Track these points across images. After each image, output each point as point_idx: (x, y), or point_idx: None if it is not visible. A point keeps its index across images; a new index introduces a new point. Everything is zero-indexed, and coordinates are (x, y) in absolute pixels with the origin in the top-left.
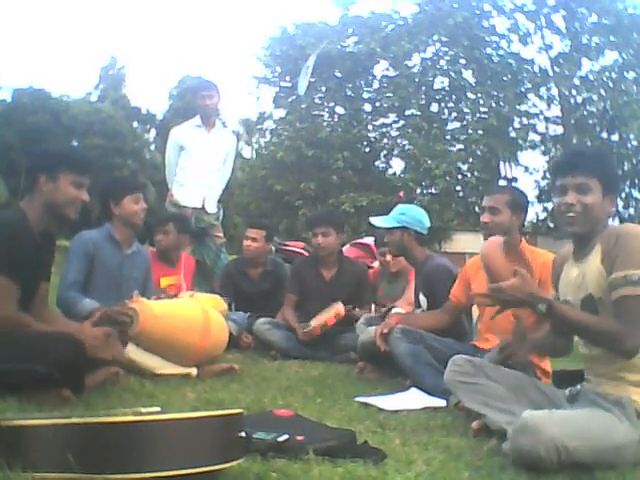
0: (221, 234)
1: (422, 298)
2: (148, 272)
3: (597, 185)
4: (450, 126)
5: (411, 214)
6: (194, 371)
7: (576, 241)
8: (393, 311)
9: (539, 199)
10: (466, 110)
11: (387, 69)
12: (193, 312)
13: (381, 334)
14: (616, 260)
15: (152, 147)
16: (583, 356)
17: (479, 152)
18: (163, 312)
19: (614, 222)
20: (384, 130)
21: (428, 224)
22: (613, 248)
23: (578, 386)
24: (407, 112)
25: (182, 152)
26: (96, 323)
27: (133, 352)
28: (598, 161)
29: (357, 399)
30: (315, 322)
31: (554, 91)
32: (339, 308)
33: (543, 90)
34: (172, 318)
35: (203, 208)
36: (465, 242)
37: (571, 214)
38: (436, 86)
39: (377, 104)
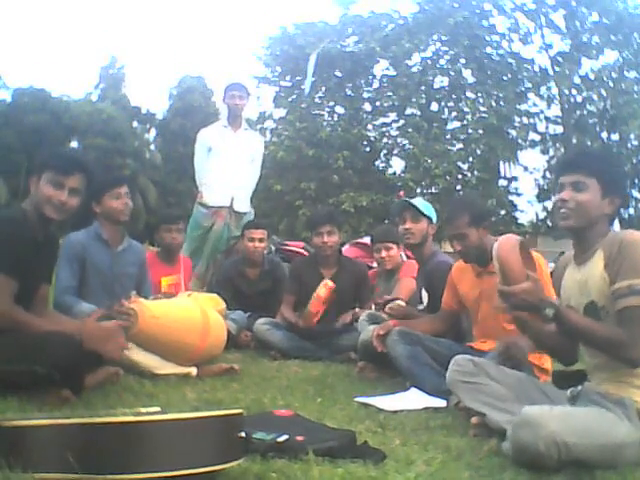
0: None
1: (424, 294)
2: (143, 267)
3: (595, 185)
4: (450, 125)
5: (431, 209)
6: (194, 371)
7: (575, 242)
8: (394, 303)
9: (539, 198)
10: (466, 109)
11: (387, 68)
12: (192, 313)
13: (378, 335)
14: (620, 268)
15: (152, 147)
16: (586, 364)
17: (479, 151)
18: (161, 312)
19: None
20: (384, 129)
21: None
22: (617, 255)
23: (579, 387)
24: (407, 111)
25: (210, 153)
26: (97, 317)
27: (133, 352)
28: (599, 162)
29: (357, 399)
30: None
31: (554, 90)
32: (327, 281)
33: (543, 89)
34: (171, 319)
35: (232, 207)
36: None
37: (563, 210)
38: (436, 85)
39: (377, 103)
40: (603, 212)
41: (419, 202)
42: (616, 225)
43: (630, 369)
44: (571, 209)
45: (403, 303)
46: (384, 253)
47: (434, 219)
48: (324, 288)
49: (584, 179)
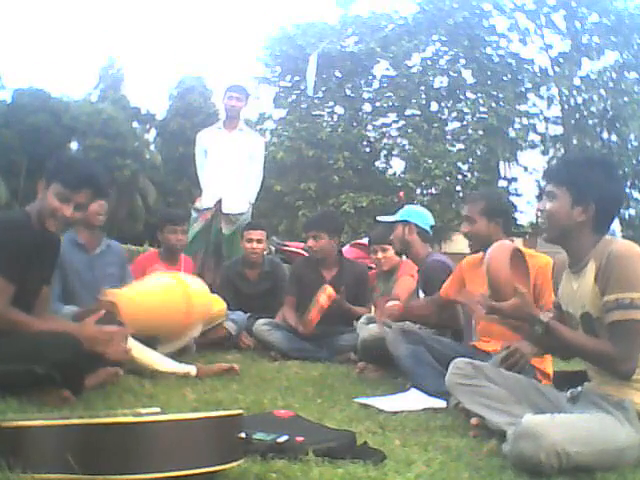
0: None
1: (422, 295)
2: (124, 266)
3: (565, 194)
4: (450, 126)
5: (413, 210)
6: (193, 370)
7: (566, 252)
8: (389, 303)
9: (539, 199)
10: (466, 110)
11: (387, 69)
12: (171, 288)
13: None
14: (608, 281)
15: (152, 147)
16: (587, 366)
17: (479, 152)
18: (140, 297)
19: (615, 224)
20: (384, 130)
21: (431, 222)
22: (605, 268)
23: (579, 388)
24: (407, 112)
25: (206, 155)
26: (96, 319)
27: (132, 348)
28: (569, 170)
29: (357, 400)
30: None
31: (554, 91)
32: (327, 288)
33: (543, 90)
34: (149, 296)
35: (220, 208)
36: (465, 242)
37: (540, 220)
38: (436, 86)
39: (377, 104)
40: (575, 221)
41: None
42: (616, 225)
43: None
44: (543, 219)
45: (399, 302)
46: (380, 254)
47: (414, 219)
48: (325, 295)
49: (554, 188)
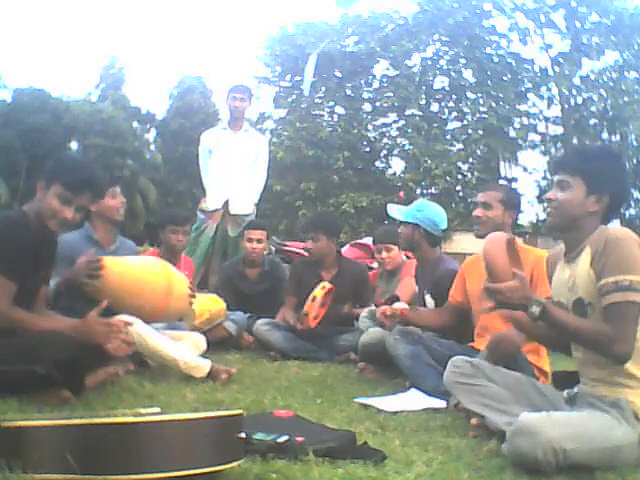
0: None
1: (428, 299)
2: None
3: (579, 183)
4: (450, 126)
5: (427, 213)
6: (206, 366)
7: (565, 241)
8: (396, 305)
9: (539, 199)
10: (466, 110)
11: (387, 69)
12: (154, 266)
13: (384, 314)
14: (605, 265)
15: (152, 147)
16: (576, 360)
17: (479, 152)
18: (123, 268)
19: (615, 223)
20: (384, 130)
21: (443, 226)
22: (602, 252)
23: (575, 389)
24: (407, 112)
25: (210, 156)
26: (99, 311)
27: (143, 335)
28: (585, 160)
29: (357, 400)
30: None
31: (554, 91)
32: (324, 283)
33: (543, 90)
34: (134, 274)
35: (227, 209)
36: (465, 242)
37: (549, 209)
38: (436, 86)
39: (377, 104)
40: (587, 210)
41: (400, 209)
42: (617, 225)
43: (619, 367)
44: (554, 208)
45: (405, 305)
46: (384, 254)
47: (425, 225)
48: (321, 290)
49: (568, 178)
